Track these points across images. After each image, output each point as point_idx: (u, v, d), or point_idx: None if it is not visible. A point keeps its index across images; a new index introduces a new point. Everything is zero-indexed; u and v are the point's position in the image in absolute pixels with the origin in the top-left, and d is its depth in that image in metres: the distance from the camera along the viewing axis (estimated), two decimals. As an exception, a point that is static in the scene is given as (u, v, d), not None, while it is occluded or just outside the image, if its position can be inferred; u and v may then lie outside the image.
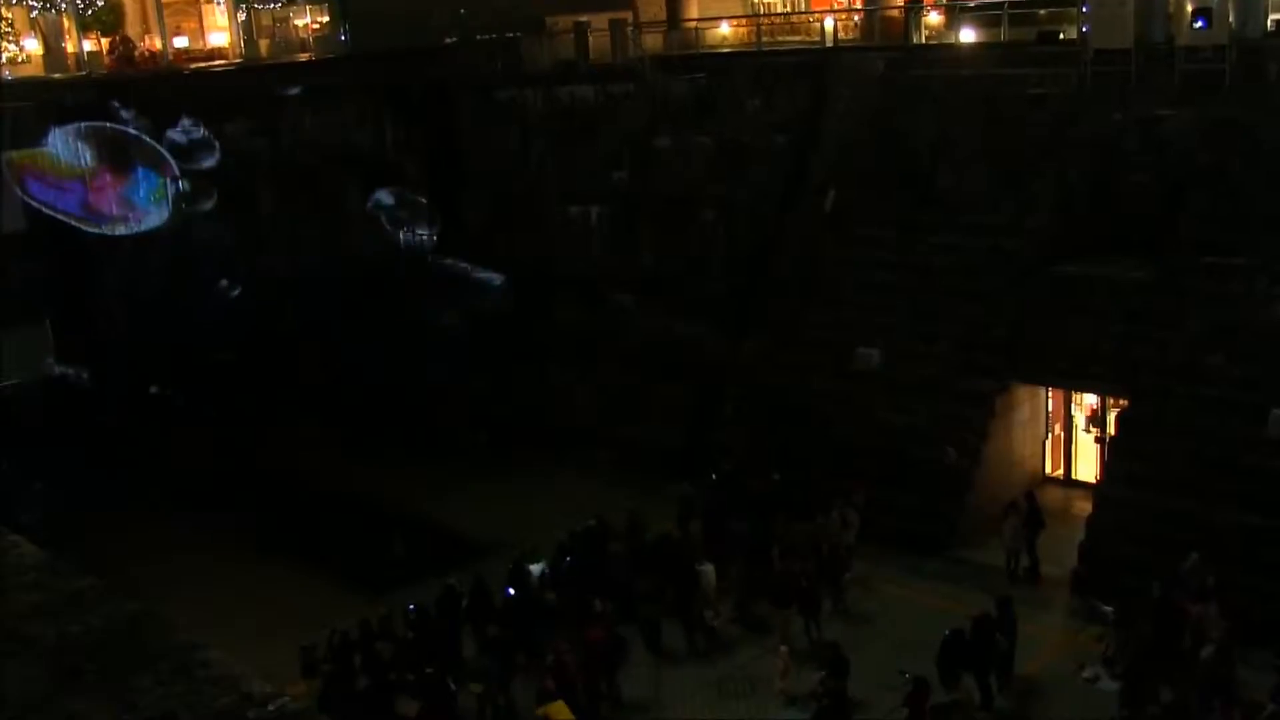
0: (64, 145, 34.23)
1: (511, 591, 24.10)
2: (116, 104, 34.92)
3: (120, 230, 35.39)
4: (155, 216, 35.74)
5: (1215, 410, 24.70)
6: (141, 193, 35.58)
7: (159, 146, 35.28)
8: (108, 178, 35.02)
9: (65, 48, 41.05)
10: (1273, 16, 30.97)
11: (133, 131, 35.05)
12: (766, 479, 27.49)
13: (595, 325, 35.52)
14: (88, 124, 34.60)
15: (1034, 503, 25.57)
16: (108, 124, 34.86)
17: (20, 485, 28.70)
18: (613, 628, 22.53)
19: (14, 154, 33.40)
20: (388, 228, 39.26)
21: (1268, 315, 25.19)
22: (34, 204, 34.00)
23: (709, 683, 22.67)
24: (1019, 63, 32.03)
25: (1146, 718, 19.57)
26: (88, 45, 41.71)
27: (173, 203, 35.67)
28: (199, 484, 32.20)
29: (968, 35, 35.48)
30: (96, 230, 34.95)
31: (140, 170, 35.44)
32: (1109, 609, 22.17)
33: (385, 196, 39.28)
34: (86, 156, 34.60)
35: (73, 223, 34.63)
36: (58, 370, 34.58)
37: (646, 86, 37.93)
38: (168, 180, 35.49)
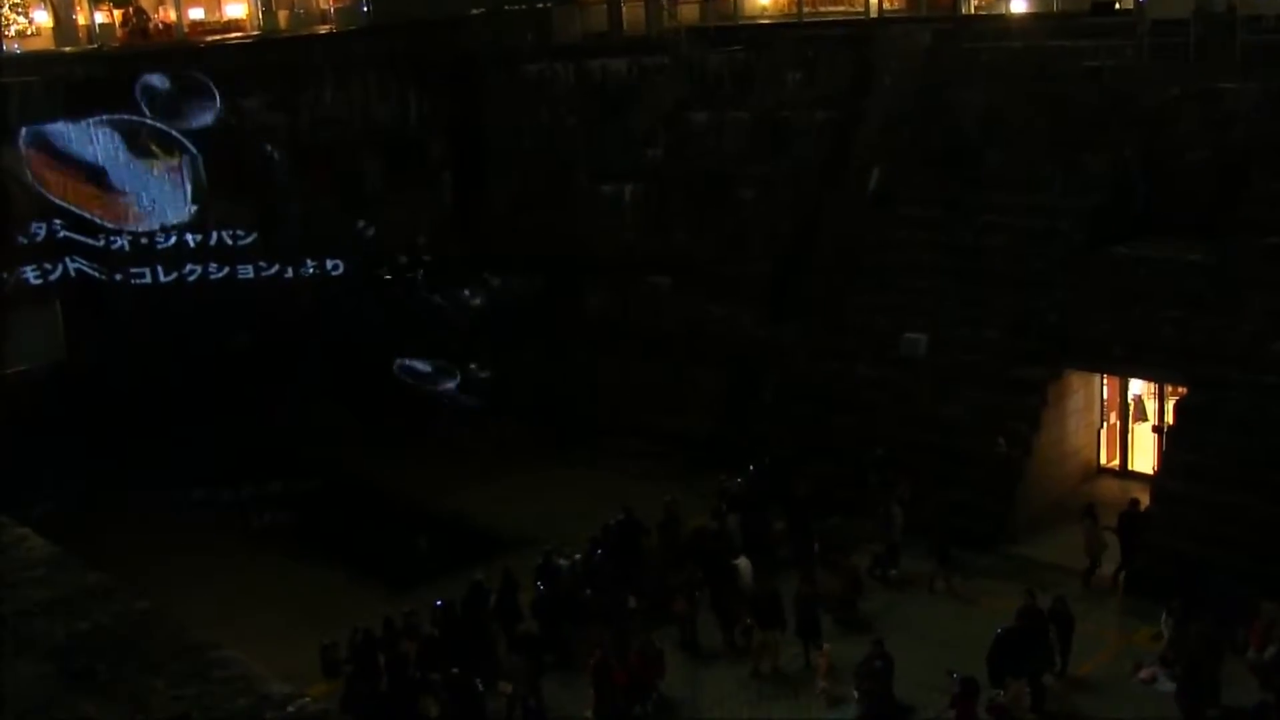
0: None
1: (541, 588, 23.67)
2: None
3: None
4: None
5: (1278, 399, 24.15)
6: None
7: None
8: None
9: (76, 20, 40.86)
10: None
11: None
12: (807, 471, 26.88)
13: (627, 308, 35.22)
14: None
15: (1136, 509, 24.53)
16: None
17: (30, 475, 27.88)
18: (649, 639, 21.85)
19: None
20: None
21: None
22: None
23: (747, 682, 22.11)
24: (1073, 34, 31.73)
25: (1205, 720, 19.19)
26: (100, 17, 41.45)
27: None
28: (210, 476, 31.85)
29: (1019, 5, 36.09)
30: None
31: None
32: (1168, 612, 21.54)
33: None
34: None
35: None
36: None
37: (682, 59, 37.42)
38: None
